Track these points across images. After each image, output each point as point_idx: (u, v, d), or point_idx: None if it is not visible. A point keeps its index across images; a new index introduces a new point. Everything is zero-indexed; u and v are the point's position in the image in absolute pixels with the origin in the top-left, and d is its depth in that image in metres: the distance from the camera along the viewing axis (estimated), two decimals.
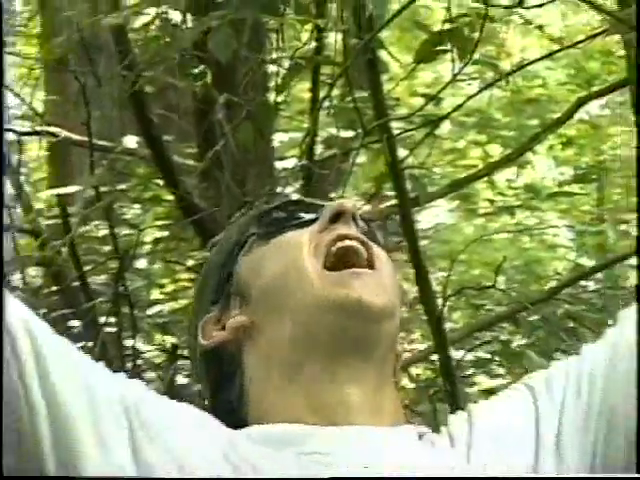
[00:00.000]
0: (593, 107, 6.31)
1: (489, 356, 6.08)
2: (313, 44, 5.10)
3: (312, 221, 2.03)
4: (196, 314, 2.13)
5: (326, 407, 1.97)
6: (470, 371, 5.76)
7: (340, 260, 1.93)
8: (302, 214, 2.08)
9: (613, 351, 2.02)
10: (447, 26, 4.76)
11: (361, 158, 5.72)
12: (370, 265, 1.96)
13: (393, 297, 2.00)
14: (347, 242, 1.97)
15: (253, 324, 1.96)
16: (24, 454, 1.83)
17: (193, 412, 1.98)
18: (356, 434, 1.94)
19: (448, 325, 5.13)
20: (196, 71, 4.82)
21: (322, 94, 4.96)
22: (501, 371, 5.95)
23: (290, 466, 1.89)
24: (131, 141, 4.95)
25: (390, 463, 1.95)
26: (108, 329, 5.22)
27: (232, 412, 2.06)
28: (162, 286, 5.59)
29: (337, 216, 1.99)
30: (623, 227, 7.56)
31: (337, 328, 1.94)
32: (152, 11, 5.03)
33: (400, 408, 2.09)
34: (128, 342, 5.27)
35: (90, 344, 5.28)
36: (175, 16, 4.92)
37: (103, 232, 5.31)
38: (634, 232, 6.78)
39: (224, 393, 2.08)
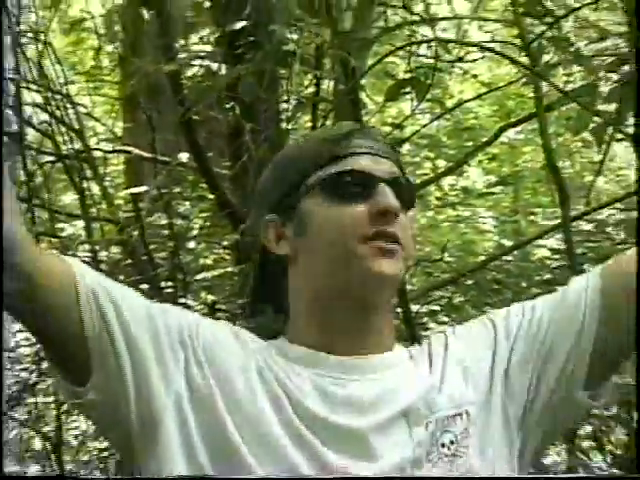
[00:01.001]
0: (511, 133, 6.45)
1: (438, 309, 6.13)
2: (313, 88, 5.10)
3: (368, 195, 1.83)
4: (258, 205, 1.98)
5: (340, 340, 1.87)
6: (424, 319, 5.78)
7: (378, 249, 1.81)
8: (360, 188, 1.84)
9: (561, 300, 1.95)
10: (408, 75, 4.76)
11: None
12: (395, 241, 1.84)
13: (403, 265, 1.90)
14: (383, 244, 1.82)
15: (301, 255, 1.86)
16: (111, 392, 1.79)
17: (234, 330, 1.93)
18: (363, 362, 1.88)
19: (409, 287, 5.12)
20: (228, 106, 4.83)
21: (319, 124, 4.88)
22: (446, 319, 5.96)
23: (307, 383, 1.84)
24: (184, 157, 5.04)
25: (391, 382, 1.90)
26: (167, 290, 5.24)
27: (273, 306, 1.99)
28: (206, 257, 5.55)
29: (384, 212, 1.82)
30: (532, 218, 7.68)
31: (360, 288, 1.84)
32: (197, 62, 5.04)
33: (393, 332, 2.00)
34: (181, 300, 5.17)
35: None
36: (214, 66, 4.90)
37: (164, 221, 5.34)
38: (540, 221, 6.90)
39: (269, 288, 1.98)
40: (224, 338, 1.90)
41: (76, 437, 6.71)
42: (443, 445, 1.87)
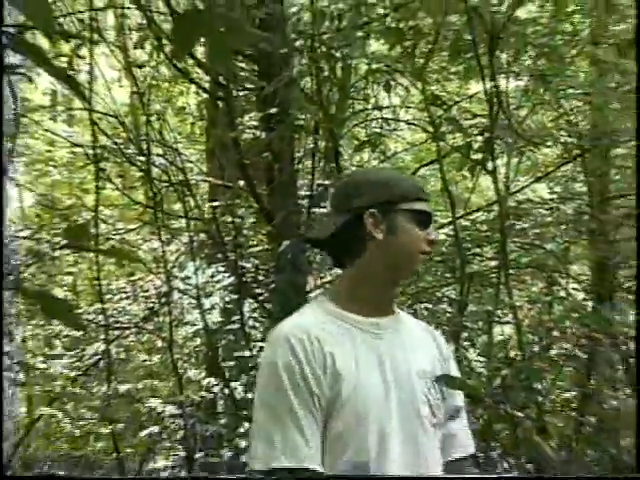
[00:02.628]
0: (424, 170, 5.97)
1: None
2: (312, 144, 4.74)
3: (428, 227, 1.74)
4: (357, 194, 1.74)
5: (379, 304, 1.73)
6: None
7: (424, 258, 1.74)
8: (427, 222, 1.73)
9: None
10: (366, 138, 4.78)
11: None
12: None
13: None
14: (426, 256, 1.74)
15: (386, 245, 1.69)
16: None
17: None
18: (391, 321, 1.74)
19: None
20: (265, 155, 4.60)
21: (318, 164, 4.73)
22: None
23: (356, 336, 1.68)
24: (240, 183, 4.85)
25: (409, 333, 1.78)
26: (231, 258, 5.09)
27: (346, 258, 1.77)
28: (253, 239, 5.38)
29: (433, 240, 1.75)
30: (436, 217, 7.05)
31: (409, 275, 1.79)
32: (248, 131, 4.88)
33: None
34: (240, 263, 5.04)
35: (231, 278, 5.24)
36: (257, 133, 4.78)
37: (229, 219, 5.20)
38: (440, 220, 6.10)
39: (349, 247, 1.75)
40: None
41: None
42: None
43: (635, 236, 4.16)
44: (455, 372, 1.85)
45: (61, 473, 5.84)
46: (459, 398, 1.80)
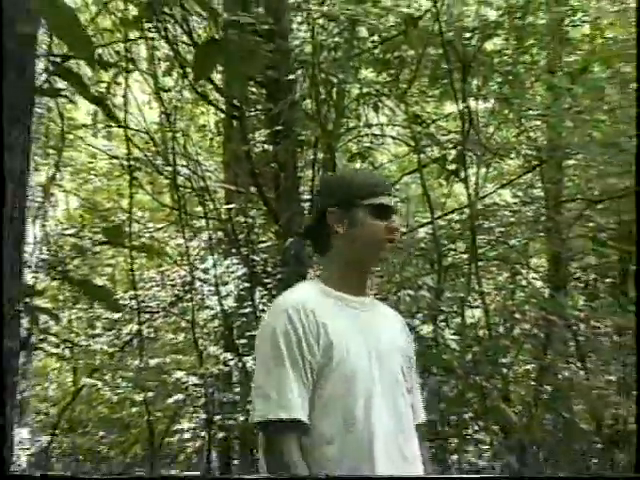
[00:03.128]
0: (407, 178, 5.79)
1: None
2: (312, 156, 4.76)
3: (390, 218, 1.67)
4: (324, 194, 1.73)
5: (356, 286, 1.67)
6: None
7: (391, 246, 1.68)
8: (389, 215, 1.67)
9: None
10: (357, 151, 4.79)
11: None
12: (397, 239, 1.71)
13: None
14: (392, 244, 1.67)
15: (349, 238, 1.65)
16: None
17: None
18: (368, 301, 1.69)
19: None
20: (272, 165, 4.58)
21: (317, 172, 4.69)
22: None
23: (344, 310, 1.64)
24: (252, 189, 4.87)
25: (384, 314, 1.73)
26: (244, 252, 5.06)
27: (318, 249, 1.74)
28: (262, 235, 5.33)
29: (397, 228, 1.68)
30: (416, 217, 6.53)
31: (377, 263, 1.72)
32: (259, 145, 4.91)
33: None
34: (252, 257, 5.01)
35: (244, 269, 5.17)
36: (266, 146, 4.74)
37: (242, 219, 5.18)
38: (420, 220, 5.57)
39: (319, 241, 1.72)
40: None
41: None
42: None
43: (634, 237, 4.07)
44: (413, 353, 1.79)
45: (101, 433, 5.86)
46: (415, 375, 1.76)
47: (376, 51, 4.21)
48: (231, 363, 4.99)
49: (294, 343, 1.58)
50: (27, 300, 1.85)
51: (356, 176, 1.79)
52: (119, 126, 5.31)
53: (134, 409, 5.64)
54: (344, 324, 1.62)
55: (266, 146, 4.75)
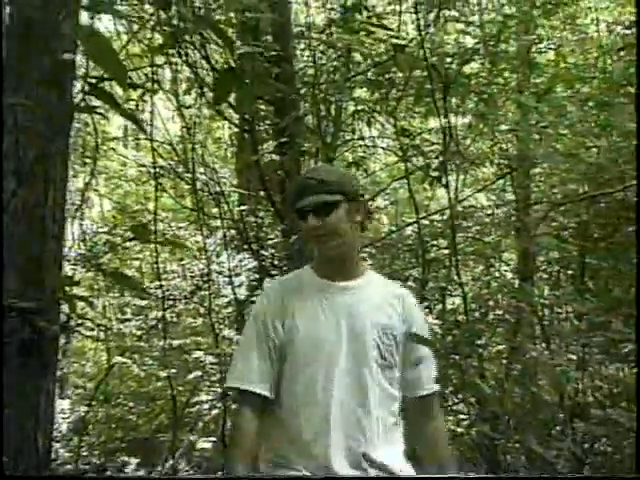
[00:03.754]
0: (397, 183, 5.69)
1: None
2: (314, 164, 4.70)
3: (304, 217, 1.58)
4: (289, 202, 1.65)
5: (333, 273, 1.62)
6: None
7: (316, 240, 1.60)
8: (303, 215, 1.59)
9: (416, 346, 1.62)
10: (352, 160, 4.78)
11: None
12: (325, 234, 1.58)
13: (341, 237, 1.58)
14: (316, 238, 1.59)
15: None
16: None
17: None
18: (359, 282, 1.61)
19: None
20: (279, 172, 4.56)
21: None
22: None
23: (320, 296, 1.58)
24: (261, 193, 4.83)
25: (373, 292, 1.62)
26: (253, 247, 5.02)
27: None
28: (269, 234, 5.28)
29: (311, 227, 1.58)
30: (404, 217, 6.41)
31: (323, 254, 1.64)
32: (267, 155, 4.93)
33: (359, 266, 1.69)
34: (261, 252, 4.97)
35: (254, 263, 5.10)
36: (273, 156, 4.69)
37: (253, 219, 5.15)
38: (407, 219, 5.57)
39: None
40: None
41: None
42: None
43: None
44: (421, 329, 1.65)
45: (131, 404, 5.85)
46: (424, 349, 1.64)
47: (369, 74, 4.20)
48: None
49: (260, 322, 1.57)
50: (67, 289, 1.85)
51: (293, 182, 1.81)
52: (146, 138, 5.31)
53: (159, 384, 5.63)
54: (315, 306, 1.57)
55: (273, 156, 4.74)
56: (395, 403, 1.60)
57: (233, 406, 4.93)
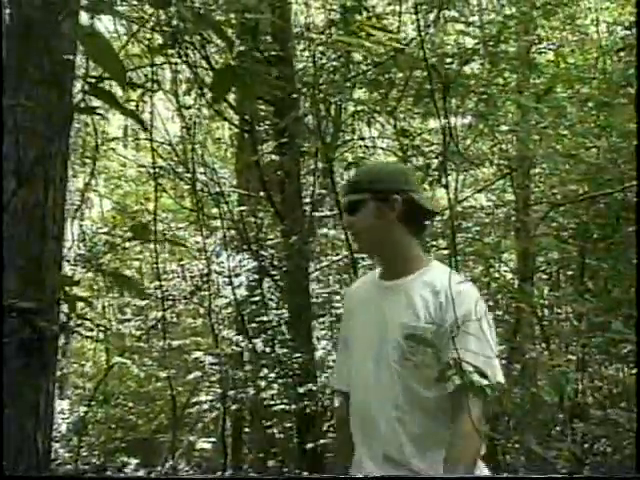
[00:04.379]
0: None
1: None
2: (313, 165, 4.83)
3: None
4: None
5: (383, 272, 1.60)
6: None
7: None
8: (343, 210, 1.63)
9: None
10: (352, 160, 4.76)
11: None
12: (354, 233, 1.61)
13: (370, 236, 1.55)
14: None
15: None
16: None
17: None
18: (405, 282, 1.54)
19: None
20: (279, 173, 4.58)
21: (317, 180, 4.75)
22: None
23: (374, 291, 1.60)
24: (261, 193, 4.79)
25: (413, 292, 1.53)
26: (253, 247, 5.04)
27: None
28: (268, 234, 5.25)
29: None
30: None
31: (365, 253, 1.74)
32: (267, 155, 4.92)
33: (407, 264, 1.60)
34: (260, 252, 4.99)
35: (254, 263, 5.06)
36: (273, 156, 4.72)
37: (253, 219, 5.14)
38: None
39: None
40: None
41: None
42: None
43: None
44: (469, 330, 1.42)
45: (130, 404, 5.82)
46: (462, 348, 1.36)
47: (369, 74, 4.20)
48: (242, 344, 4.97)
49: (341, 323, 1.73)
50: (66, 289, 1.86)
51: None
52: (146, 139, 5.31)
53: (159, 384, 5.66)
54: (364, 306, 1.62)
55: (273, 156, 4.73)
56: (430, 404, 1.48)
57: (233, 407, 4.97)
